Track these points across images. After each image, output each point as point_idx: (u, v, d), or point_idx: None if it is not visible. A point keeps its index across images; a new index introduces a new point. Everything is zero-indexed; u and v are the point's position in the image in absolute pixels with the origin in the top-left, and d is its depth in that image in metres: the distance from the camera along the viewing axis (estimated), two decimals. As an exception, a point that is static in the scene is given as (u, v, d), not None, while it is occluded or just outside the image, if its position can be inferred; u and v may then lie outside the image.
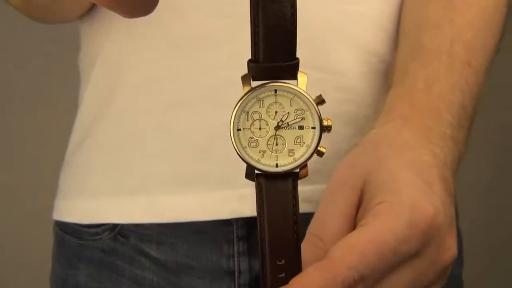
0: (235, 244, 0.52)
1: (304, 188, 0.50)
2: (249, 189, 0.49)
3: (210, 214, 0.50)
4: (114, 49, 0.54)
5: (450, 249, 0.37)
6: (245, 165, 0.50)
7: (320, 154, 0.32)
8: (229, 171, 0.50)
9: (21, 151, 1.43)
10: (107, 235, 0.54)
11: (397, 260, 0.34)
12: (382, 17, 0.52)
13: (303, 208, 0.38)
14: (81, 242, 0.56)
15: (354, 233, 0.34)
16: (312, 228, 0.37)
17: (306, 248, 0.35)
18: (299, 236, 0.32)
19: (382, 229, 0.34)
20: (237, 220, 0.51)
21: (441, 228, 0.36)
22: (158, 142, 0.52)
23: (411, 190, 0.36)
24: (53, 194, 0.60)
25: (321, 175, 0.47)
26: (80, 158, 0.57)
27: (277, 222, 0.31)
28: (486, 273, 1.51)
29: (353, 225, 0.37)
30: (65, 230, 0.57)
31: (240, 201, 0.50)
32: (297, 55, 0.50)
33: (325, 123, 0.32)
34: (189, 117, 0.51)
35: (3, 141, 1.42)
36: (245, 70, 0.51)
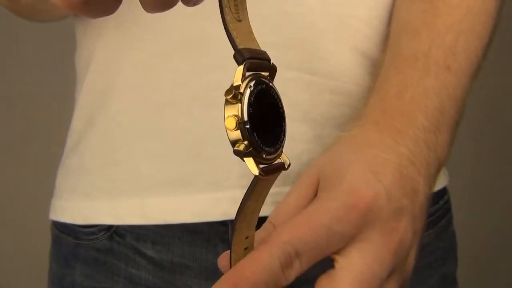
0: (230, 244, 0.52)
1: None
2: (240, 191, 0.50)
3: (201, 216, 0.50)
4: (107, 51, 0.54)
5: (396, 231, 0.37)
6: (235, 167, 0.51)
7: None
8: (220, 173, 0.50)
9: (20, 150, 1.43)
10: (103, 235, 0.54)
11: (334, 239, 0.35)
12: (374, 20, 0.52)
13: None
14: (77, 241, 0.56)
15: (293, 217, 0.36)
16: (270, 217, 0.39)
17: (260, 232, 0.37)
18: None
19: (316, 209, 0.35)
20: (232, 220, 0.51)
21: (380, 214, 0.36)
22: (149, 144, 0.52)
23: (353, 178, 0.37)
24: (52, 193, 0.60)
25: None
26: (75, 158, 0.57)
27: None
28: (483, 274, 1.52)
29: None
30: (61, 229, 0.58)
31: (231, 203, 0.50)
32: (289, 58, 0.50)
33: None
34: (180, 118, 0.51)
35: (2, 141, 1.42)
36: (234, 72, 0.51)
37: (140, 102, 0.52)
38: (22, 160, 1.43)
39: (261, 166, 0.31)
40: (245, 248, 0.35)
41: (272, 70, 0.32)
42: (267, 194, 0.34)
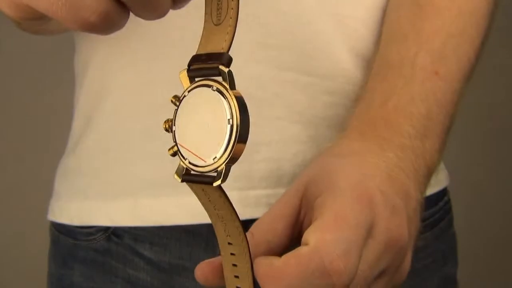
0: None
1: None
2: (236, 192, 0.49)
3: (196, 218, 0.50)
4: (104, 53, 0.54)
5: (399, 227, 0.37)
6: (233, 169, 0.49)
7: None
8: None
9: (21, 150, 1.43)
10: (101, 236, 0.54)
11: (366, 230, 0.35)
12: (371, 20, 0.52)
13: None
14: (75, 242, 0.56)
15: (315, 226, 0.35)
16: (252, 226, 0.38)
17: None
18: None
19: (341, 209, 0.35)
20: None
21: (379, 209, 0.36)
22: (144, 145, 0.52)
23: (347, 177, 0.37)
24: (51, 194, 0.60)
25: None
26: (73, 159, 0.57)
27: None
28: (483, 275, 1.51)
29: (289, 224, 0.38)
30: (59, 230, 0.58)
31: None
32: (285, 59, 0.50)
33: None
34: None
35: (2, 141, 1.42)
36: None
37: (136, 102, 0.52)
38: (23, 160, 1.43)
39: (192, 172, 0.31)
40: (231, 254, 0.35)
41: (226, 74, 0.30)
42: (221, 203, 0.32)
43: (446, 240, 0.60)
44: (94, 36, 0.55)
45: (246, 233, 0.36)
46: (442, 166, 0.59)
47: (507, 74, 1.51)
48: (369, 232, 0.35)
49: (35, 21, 0.32)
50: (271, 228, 0.37)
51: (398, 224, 0.37)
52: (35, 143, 1.41)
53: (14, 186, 1.42)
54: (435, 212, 0.58)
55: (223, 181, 0.30)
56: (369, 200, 0.36)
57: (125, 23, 0.29)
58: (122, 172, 0.53)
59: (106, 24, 0.28)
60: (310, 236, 0.34)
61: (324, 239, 0.33)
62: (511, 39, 1.37)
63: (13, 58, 1.39)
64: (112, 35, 0.52)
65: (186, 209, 0.50)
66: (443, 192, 0.60)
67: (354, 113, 0.46)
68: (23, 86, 1.41)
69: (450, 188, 0.61)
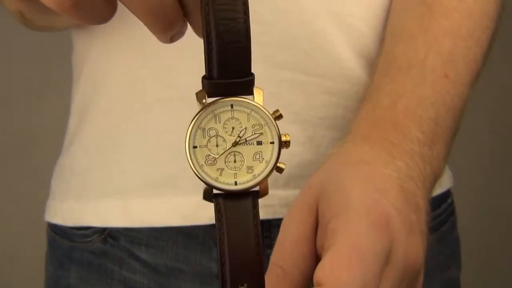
0: None
1: (286, 193, 0.49)
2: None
3: (187, 220, 0.50)
4: (99, 52, 0.53)
5: (415, 249, 0.35)
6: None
7: (280, 170, 0.31)
8: None
9: (19, 150, 1.43)
10: (96, 238, 0.54)
11: (382, 261, 0.33)
12: (373, 19, 0.51)
13: (285, 213, 0.38)
14: (71, 244, 0.56)
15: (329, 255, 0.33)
16: (274, 256, 0.35)
17: (269, 279, 0.34)
18: (261, 258, 0.30)
19: (350, 239, 0.32)
20: None
21: (396, 233, 0.34)
22: (136, 145, 0.51)
23: (361, 196, 0.35)
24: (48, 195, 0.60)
25: (305, 179, 0.46)
26: (67, 160, 0.57)
27: (238, 245, 0.30)
28: (487, 278, 1.50)
29: (313, 245, 0.35)
30: (55, 231, 0.57)
31: None
32: (283, 58, 0.49)
33: (283, 138, 0.31)
34: (167, 119, 0.50)
35: (2, 142, 1.42)
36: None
37: (128, 101, 0.52)
38: (22, 160, 1.43)
39: None
40: None
41: None
42: None
43: (449, 243, 0.59)
44: (89, 34, 0.54)
45: (273, 266, 0.34)
46: (445, 167, 0.58)
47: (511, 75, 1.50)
48: (386, 259, 0.33)
49: (32, 10, 0.31)
50: (298, 253, 0.35)
51: (415, 245, 0.36)
52: (35, 143, 1.41)
53: (14, 186, 1.42)
54: (438, 214, 0.57)
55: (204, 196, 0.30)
56: (386, 223, 0.34)
57: (108, 11, 0.29)
58: (113, 172, 0.52)
59: (77, 6, 0.28)
60: (325, 275, 0.31)
61: (339, 280, 0.31)
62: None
63: (13, 58, 1.39)
64: (106, 32, 0.52)
65: (177, 210, 0.50)
66: (447, 194, 0.59)
67: (360, 114, 0.44)
68: (23, 86, 1.41)
69: (454, 189, 0.60)
